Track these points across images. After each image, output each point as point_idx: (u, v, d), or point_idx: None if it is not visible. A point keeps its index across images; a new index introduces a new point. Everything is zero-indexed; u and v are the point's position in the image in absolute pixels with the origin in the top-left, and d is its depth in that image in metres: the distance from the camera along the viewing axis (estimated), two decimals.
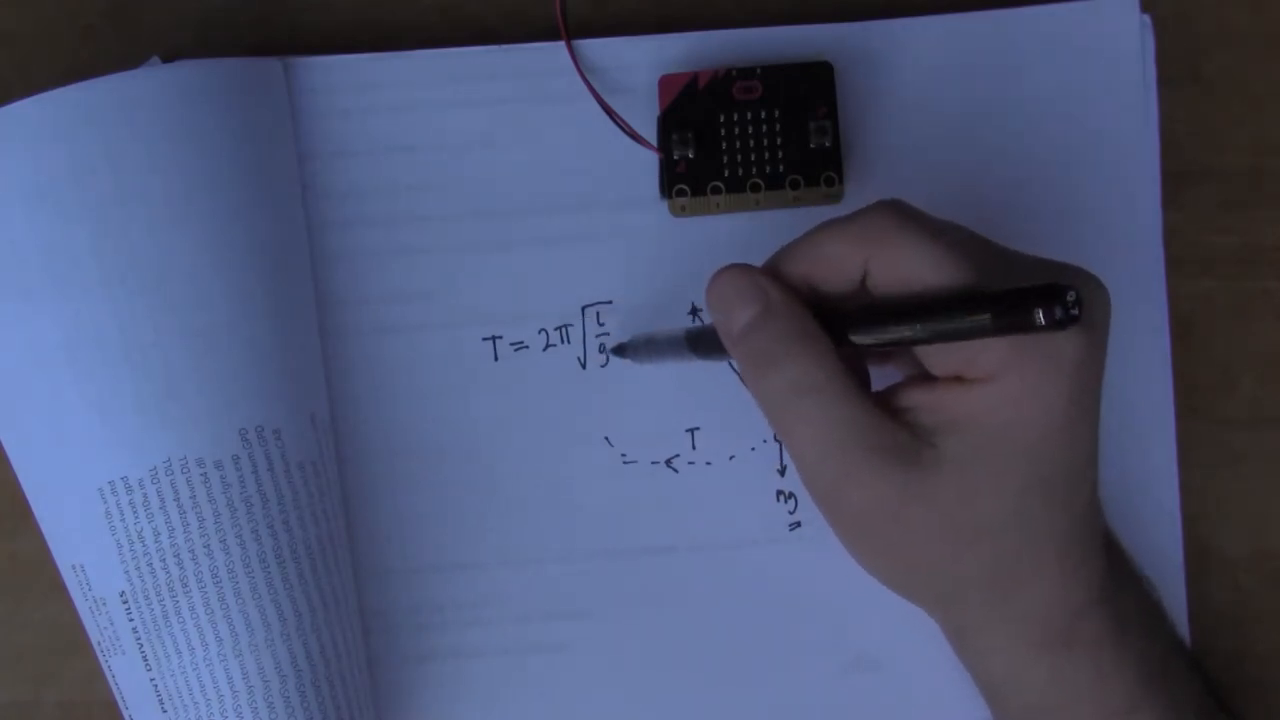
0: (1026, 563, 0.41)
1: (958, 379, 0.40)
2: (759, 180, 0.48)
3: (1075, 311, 0.35)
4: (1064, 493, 0.41)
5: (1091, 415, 0.41)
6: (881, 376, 0.44)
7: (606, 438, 0.49)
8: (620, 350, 0.48)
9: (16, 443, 0.46)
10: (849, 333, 0.41)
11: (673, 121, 0.48)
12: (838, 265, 0.41)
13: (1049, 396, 0.39)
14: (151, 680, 0.45)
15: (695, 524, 0.49)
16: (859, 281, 0.41)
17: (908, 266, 0.40)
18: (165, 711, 0.45)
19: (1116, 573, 0.43)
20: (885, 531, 0.41)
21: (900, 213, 0.41)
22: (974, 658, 0.45)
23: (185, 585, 0.44)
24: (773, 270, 0.42)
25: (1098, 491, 0.43)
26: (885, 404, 0.41)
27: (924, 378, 0.41)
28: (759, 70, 0.48)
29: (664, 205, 0.49)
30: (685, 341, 0.46)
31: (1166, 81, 0.50)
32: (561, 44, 0.48)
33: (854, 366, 0.43)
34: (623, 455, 0.49)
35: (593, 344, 0.49)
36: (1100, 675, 0.42)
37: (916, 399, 0.40)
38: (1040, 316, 0.35)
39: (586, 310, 0.49)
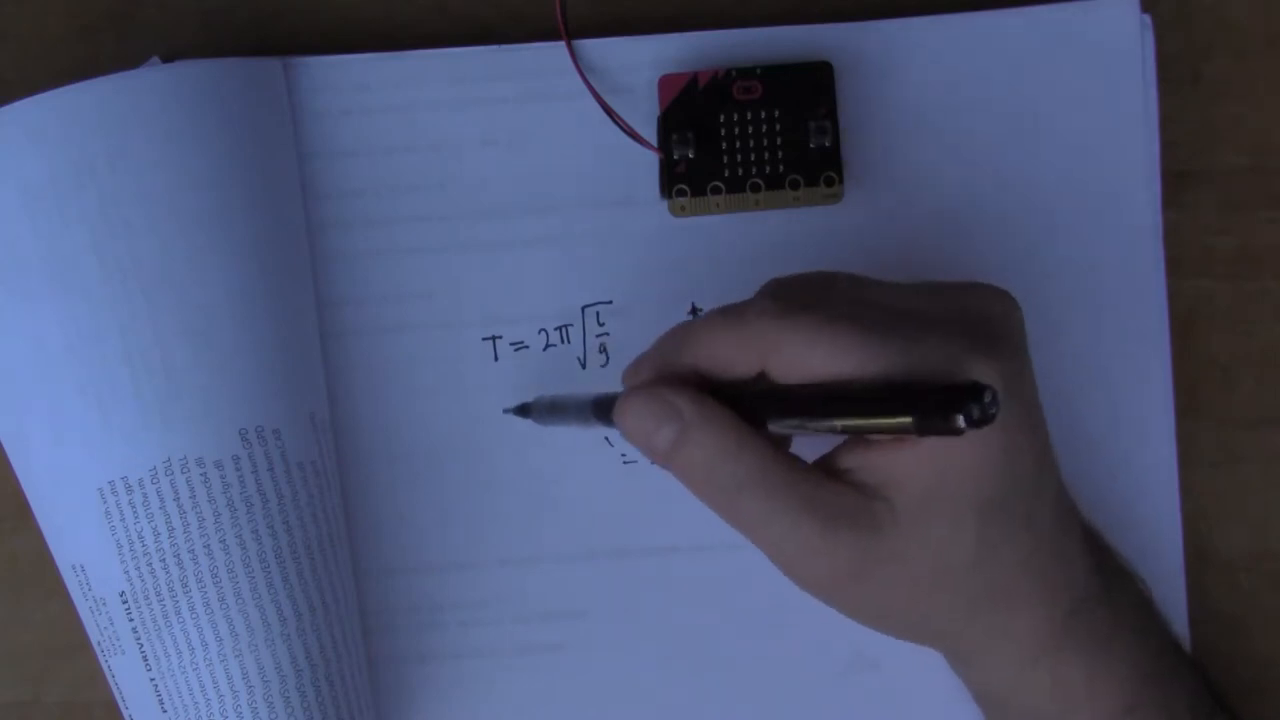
0: (1003, 591, 0.41)
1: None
2: (759, 180, 0.48)
3: (993, 410, 0.36)
4: (1023, 514, 0.41)
5: (1029, 431, 0.41)
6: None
7: (606, 438, 0.49)
8: (523, 411, 0.48)
9: (16, 443, 0.46)
10: (768, 423, 0.40)
11: (673, 121, 0.48)
12: (732, 366, 0.41)
13: (982, 433, 0.38)
14: (151, 680, 0.45)
15: (695, 524, 0.49)
16: (758, 374, 0.40)
17: (805, 364, 0.39)
18: (165, 711, 0.45)
19: (1104, 569, 0.44)
20: (858, 592, 0.41)
21: (781, 306, 0.40)
22: (974, 677, 0.45)
23: (185, 585, 0.44)
24: (666, 365, 0.42)
25: (1065, 495, 0.43)
26: (827, 469, 0.41)
27: (859, 439, 0.41)
28: (759, 70, 0.48)
29: (664, 205, 0.49)
30: (590, 409, 0.44)
31: (1166, 81, 0.50)
32: (561, 44, 0.48)
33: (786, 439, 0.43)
34: (623, 455, 0.49)
35: (593, 344, 0.49)
36: (1094, 675, 0.43)
37: (856, 460, 0.40)
38: (961, 422, 0.36)
39: (586, 310, 0.49)
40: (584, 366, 0.49)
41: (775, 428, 0.40)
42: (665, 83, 0.48)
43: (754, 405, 0.41)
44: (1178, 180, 0.50)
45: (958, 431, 0.36)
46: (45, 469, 0.46)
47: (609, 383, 0.49)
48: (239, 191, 0.46)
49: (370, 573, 0.48)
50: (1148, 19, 0.49)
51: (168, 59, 0.48)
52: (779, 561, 0.41)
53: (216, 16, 0.50)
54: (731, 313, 0.41)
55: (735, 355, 0.40)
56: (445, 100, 0.49)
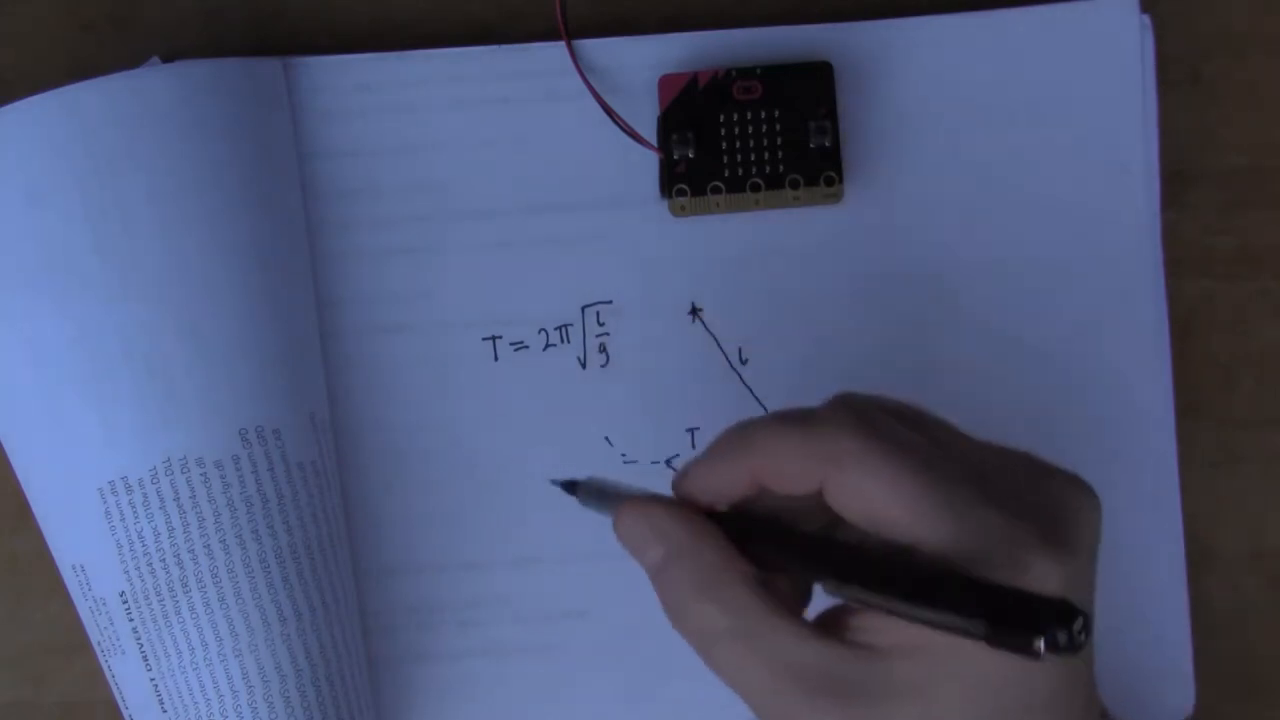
0: None
1: None
2: (759, 180, 0.48)
3: (1082, 638, 0.31)
4: (1039, 710, 0.35)
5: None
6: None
7: (606, 438, 0.49)
8: (570, 487, 0.42)
9: (16, 443, 0.46)
10: (807, 574, 0.36)
11: (673, 121, 0.48)
12: (792, 477, 0.36)
13: None
14: (151, 680, 0.45)
15: None
16: (816, 493, 0.36)
17: (863, 493, 0.35)
18: (165, 711, 0.45)
19: None
20: None
21: (858, 420, 0.36)
22: None
23: (185, 585, 0.44)
24: (716, 474, 0.38)
25: (1095, 700, 0.38)
26: (830, 622, 0.36)
27: None
28: (759, 70, 0.48)
29: (664, 205, 0.49)
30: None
31: (1166, 81, 0.50)
32: (561, 44, 0.48)
33: (789, 582, 0.38)
34: (623, 455, 0.49)
35: (593, 344, 0.49)
36: None
37: (866, 617, 0.35)
38: (1042, 645, 0.31)
39: (586, 310, 0.49)
40: (584, 366, 0.49)
41: (824, 588, 0.36)
42: (665, 83, 0.48)
43: (781, 547, 0.37)
44: (1178, 180, 0.50)
45: (1035, 655, 0.31)
46: (45, 469, 0.46)
47: (609, 383, 0.49)
48: (239, 191, 0.46)
49: (370, 573, 0.48)
50: (1147, 19, 0.49)
51: (168, 59, 0.48)
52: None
53: (216, 16, 0.50)
54: (799, 416, 0.37)
55: (797, 464, 0.36)
56: (445, 100, 0.49)
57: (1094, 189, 0.49)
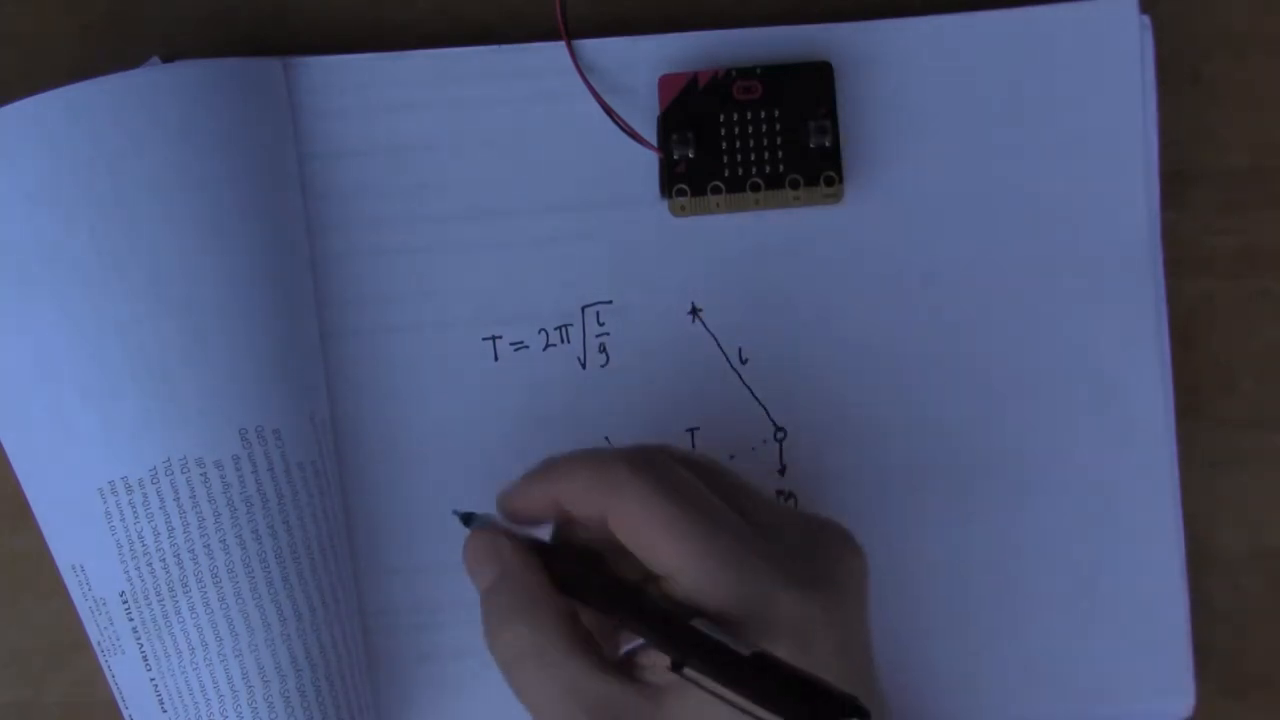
0: None
1: None
2: (759, 180, 0.48)
3: None
4: None
5: (852, 673, 0.40)
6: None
7: (606, 438, 0.49)
8: (467, 520, 0.46)
9: (16, 443, 0.46)
10: (609, 613, 0.41)
11: (673, 121, 0.48)
12: (580, 504, 0.42)
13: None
14: (151, 680, 0.45)
15: None
16: (602, 521, 0.41)
17: (633, 524, 0.40)
18: (165, 711, 0.45)
19: None
20: None
21: (642, 464, 0.40)
22: None
23: (185, 585, 0.44)
24: (526, 490, 0.43)
25: None
26: (627, 662, 0.41)
27: None
28: (759, 70, 0.48)
29: (664, 205, 0.49)
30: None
31: (1166, 82, 0.50)
32: (561, 44, 0.48)
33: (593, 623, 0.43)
34: None
35: (593, 344, 0.49)
36: None
37: (653, 657, 0.40)
38: None
39: (586, 310, 0.49)
40: (584, 366, 0.49)
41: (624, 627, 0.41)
42: (665, 83, 0.48)
43: (580, 584, 0.41)
44: (1178, 180, 0.50)
45: None
46: (45, 469, 0.46)
47: (609, 383, 0.49)
48: (239, 191, 0.46)
49: (370, 573, 0.48)
50: (1147, 19, 0.49)
51: (168, 59, 0.48)
52: None
53: (216, 16, 0.50)
54: (595, 452, 0.42)
55: (586, 491, 0.41)
56: (445, 100, 0.49)
57: (1094, 189, 0.49)
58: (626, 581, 0.41)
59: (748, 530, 0.41)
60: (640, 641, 0.41)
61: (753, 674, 0.36)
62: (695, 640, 0.38)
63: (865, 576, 0.42)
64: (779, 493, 0.49)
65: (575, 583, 0.42)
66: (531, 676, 0.41)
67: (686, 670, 0.37)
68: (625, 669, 0.41)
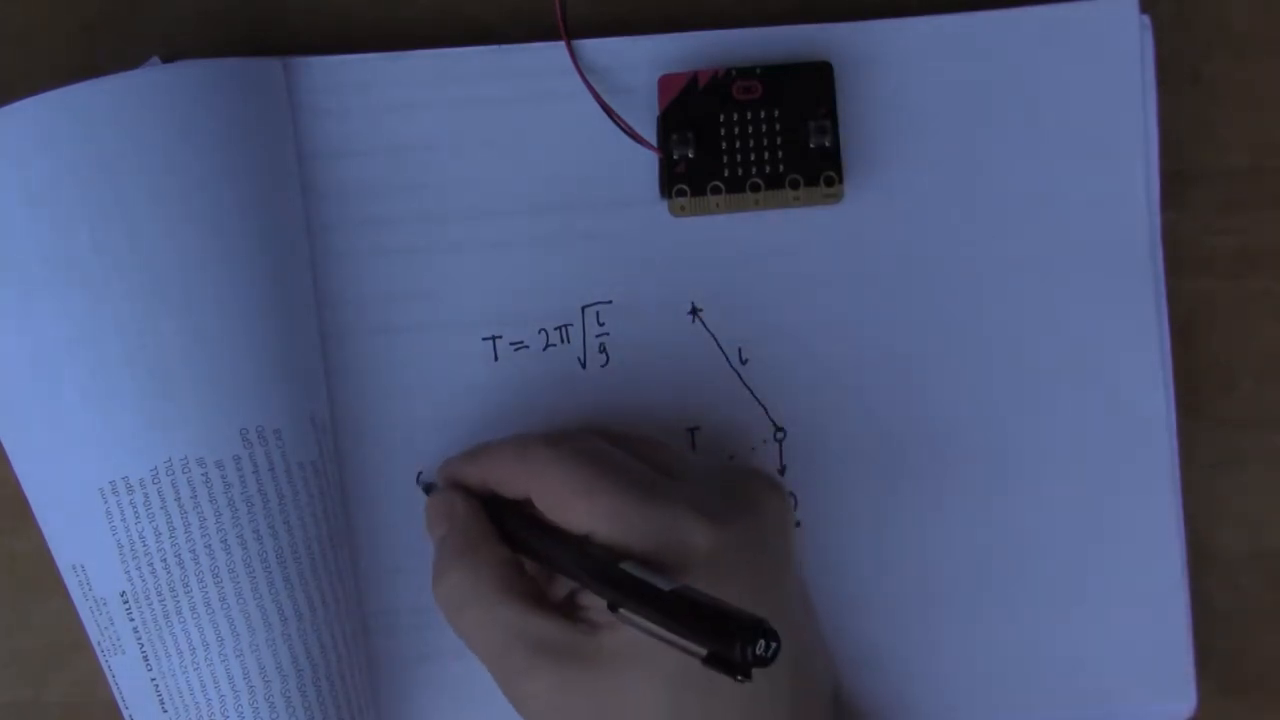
0: None
1: None
2: (759, 180, 0.48)
3: (771, 653, 0.36)
4: (734, 698, 0.41)
5: (768, 601, 0.41)
6: None
7: None
8: (428, 489, 0.48)
9: (16, 443, 0.46)
10: (546, 562, 0.44)
11: (673, 121, 0.48)
12: (505, 483, 0.45)
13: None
14: (151, 680, 0.45)
15: None
16: (526, 499, 0.44)
17: (550, 493, 0.43)
18: (165, 711, 0.45)
19: None
20: None
21: (559, 441, 0.44)
22: None
23: (186, 585, 0.44)
24: (460, 473, 0.47)
25: (813, 685, 0.44)
26: (569, 603, 0.43)
27: None
28: (759, 70, 0.48)
29: (664, 205, 0.49)
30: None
31: (1166, 82, 0.50)
32: (561, 44, 0.48)
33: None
34: None
35: (593, 344, 0.49)
36: None
37: (592, 598, 0.42)
38: (740, 655, 0.36)
39: (586, 310, 0.49)
40: (584, 366, 0.49)
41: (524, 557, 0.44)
42: (665, 83, 0.48)
43: (523, 536, 0.44)
44: (1178, 180, 0.50)
45: (743, 678, 0.36)
46: (45, 469, 0.46)
47: (609, 383, 0.49)
48: (239, 191, 0.46)
49: (370, 572, 0.48)
50: (1147, 19, 0.49)
51: (168, 59, 0.48)
52: (495, 678, 0.44)
53: (216, 16, 0.50)
54: (518, 438, 0.46)
55: (509, 478, 0.45)
56: (445, 100, 0.49)
57: (1094, 189, 0.49)
58: (565, 533, 0.43)
59: (662, 480, 0.43)
60: (578, 586, 0.43)
61: (674, 607, 0.38)
62: (623, 581, 0.40)
63: (785, 514, 0.45)
64: None
65: (520, 536, 0.45)
66: (471, 617, 0.43)
67: (621, 610, 0.40)
68: (567, 610, 0.43)
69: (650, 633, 0.39)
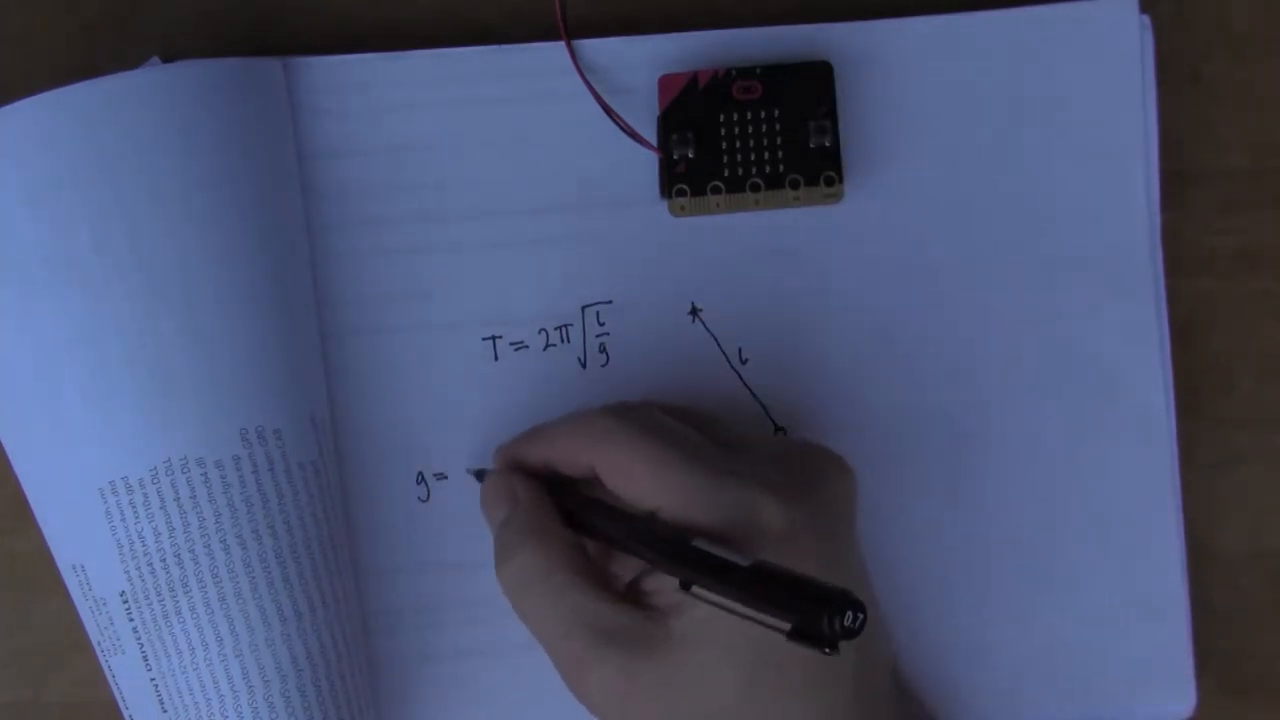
0: None
1: None
2: (759, 180, 0.48)
3: (860, 622, 0.36)
4: (805, 678, 0.41)
5: (843, 575, 0.41)
6: None
7: None
8: (480, 476, 0.48)
9: (16, 443, 0.46)
10: (614, 544, 0.43)
11: (673, 121, 0.48)
12: (568, 460, 0.44)
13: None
14: (151, 680, 0.45)
15: None
16: (592, 473, 0.43)
17: (626, 473, 0.42)
18: (165, 711, 0.45)
19: None
20: (621, 712, 0.42)
21: (623, 414, 0.43)
22: None
23: (185, 585, 0.44)
24: (519, 455, 0.46)
25: (879, 673, 0.43)
26: (633, 588, 0.43)
27: None
28: (759, 70, 0.48)
29: (664, 205, 0.49)
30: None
31: (1166, 82, 0.50)
32: (561, 44, 0.48)
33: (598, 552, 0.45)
34: None
35: (593, 344, 0.49)
36: None
37: (657, 582, 0.42)
38: (829, 625, 0.35)
39: (586, 310, 0.49)
40: (584, 366, 0.49)
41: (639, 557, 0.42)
42: (665, 82, 0.48)
43: (587, 516, 0.44)
44: (1178, 180, 0.50)
45: (831, 651, 0.35)
46: (45, 469, 0.46)
47: (609, 383, 0.49)
48: (239, 191, 0.46)
49: (370, 572, 0.48)
50: (1147, 19, 0.49)
51: (168, 59, 0.48)
52: (556, 665, 0.43)
53: (216, 16, 0.50)
54: (580, 413, 0.45)
55: (572, 452, 0.44)
56: (445, 100, 0.49)
57: (1094, 189, 0.49)
58: (630, 512, 0.42)
59: (730, 455, 0.43)
60: (642, 571, 0.42)
61: (754, 582, 0.37)
62: (698, 558, 0.39)
63: (853, 492, 0.44)
64: None
65: (584, 517, 0.44)
66: (536, 600, 0.43)
67: (695, 588, 0.39)
68: (631, 597, 0.42)
69: (728, 609, 0.38)
